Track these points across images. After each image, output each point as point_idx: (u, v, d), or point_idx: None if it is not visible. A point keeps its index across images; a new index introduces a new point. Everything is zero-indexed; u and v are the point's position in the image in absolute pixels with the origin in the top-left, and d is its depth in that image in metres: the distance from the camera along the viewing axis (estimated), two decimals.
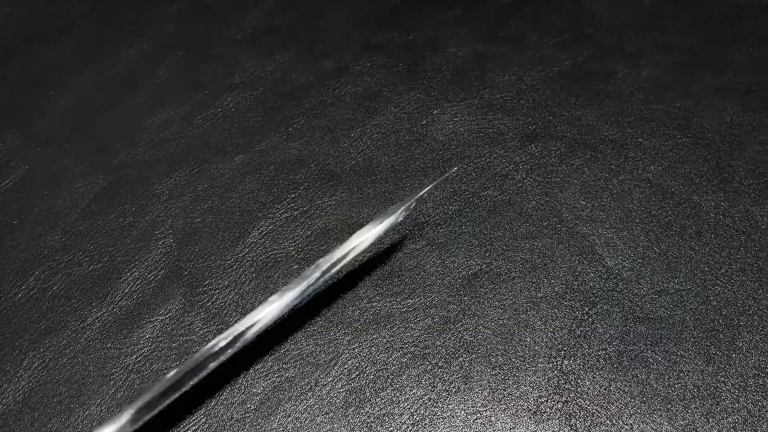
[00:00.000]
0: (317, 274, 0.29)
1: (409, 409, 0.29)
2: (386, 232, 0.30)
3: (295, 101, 0.41)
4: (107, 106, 0.43)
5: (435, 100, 0.40)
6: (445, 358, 0.30)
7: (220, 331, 0.31)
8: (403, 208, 0.30)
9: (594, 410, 0.28)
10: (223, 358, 0.27)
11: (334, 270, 0.29)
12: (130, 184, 0.38)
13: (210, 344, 0.27)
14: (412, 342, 0.30)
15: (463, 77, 0.40)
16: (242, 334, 0.28)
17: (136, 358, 0.31)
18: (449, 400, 0.29)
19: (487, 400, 0.29)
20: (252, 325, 0.28)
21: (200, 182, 0.37)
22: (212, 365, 0.27)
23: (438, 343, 0.30)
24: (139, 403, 0.26)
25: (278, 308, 0.28)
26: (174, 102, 0.42)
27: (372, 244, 0.30)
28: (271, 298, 0.28)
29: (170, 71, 0.44)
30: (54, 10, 0.51)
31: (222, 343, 0.27)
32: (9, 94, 0.45)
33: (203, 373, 0.27)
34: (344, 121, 0.39)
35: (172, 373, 0.27)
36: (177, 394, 0.27)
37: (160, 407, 0.27)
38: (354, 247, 0.29)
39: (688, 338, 0.29)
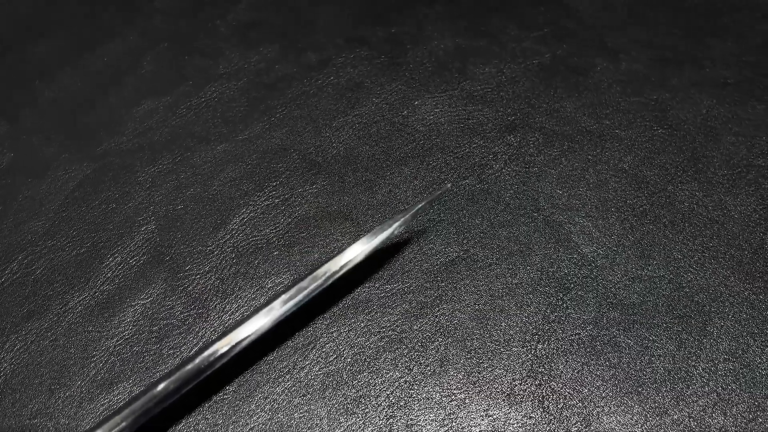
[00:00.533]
0: (314, 286, 0.29)
1: (385, 391, 0.29)
2: (382, 244, 0.31)
3: (278, 92, 0.41)
4: (93, 95, 0.43)
5: (416, 92, 0.40)
6: (422, 342, 0.30)
7: (200, 315, 0.32)
8: (398, 222, 0.31)
9: (567, 393, 0.28)
10: (218, 365, 0.28)
11: (330, 282, 0.29)
12: (114, 171, 0.38)
13: (210, 350, 0.28)
14: (390, 326, 0.31)
15: (444, 69, 0.41)
16: (241, 342, 0.28)
17: (117, 341, 0.32)
18: (425, 383, 0.29)
19: (462, 383, 0.29)
20: (251, 334, 0.28)
21: (183, 170, 0.38)
22: (209, 372, 0.28)
23: (415, 327, 0.31)
24: (135, 411, 0.27)
25: (278, 314, 0.29)
26: (158, 92, 0.42)
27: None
28: (272, 305, 0.29)
29: (156, 62, 0.45)
30: (43, 2, 0.51)
31: (223, 350, 0.28)
32: None
33: (201, 378, 0.28)
34: (326, 111, 0.40)
35: (170, 380, 0.27)
36: (173, 399, 0.28)
37: (154, 413, 0.27)
38: (350, 260, 0.30)
39: (660, 324, 0.30)
